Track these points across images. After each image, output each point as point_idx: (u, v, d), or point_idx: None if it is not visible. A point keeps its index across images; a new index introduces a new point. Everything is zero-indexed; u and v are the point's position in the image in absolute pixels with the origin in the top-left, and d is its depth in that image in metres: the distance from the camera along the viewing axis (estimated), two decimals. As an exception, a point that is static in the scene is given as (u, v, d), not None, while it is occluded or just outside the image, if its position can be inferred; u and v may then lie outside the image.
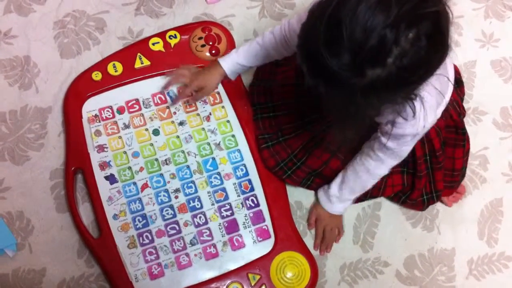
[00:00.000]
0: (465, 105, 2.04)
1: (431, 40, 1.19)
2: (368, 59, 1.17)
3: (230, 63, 1.86)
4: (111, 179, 1.92)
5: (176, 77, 1.96)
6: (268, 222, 1.90)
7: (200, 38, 2.07)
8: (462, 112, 1.88)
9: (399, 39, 1.15)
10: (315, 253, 1.92)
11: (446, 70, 1.59)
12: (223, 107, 2.01)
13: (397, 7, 1.14)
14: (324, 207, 1.91)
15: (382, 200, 2.01)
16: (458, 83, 1.91)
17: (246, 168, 1.96)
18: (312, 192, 2.01)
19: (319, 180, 1.93)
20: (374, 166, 1.71)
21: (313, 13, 1.26)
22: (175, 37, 2.08)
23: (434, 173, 1.88)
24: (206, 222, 1.89)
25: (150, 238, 1.87)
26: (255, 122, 1.98)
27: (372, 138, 1.67)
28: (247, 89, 2.05)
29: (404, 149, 1.63)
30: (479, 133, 2.10)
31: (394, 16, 1.14)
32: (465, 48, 2.21)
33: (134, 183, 1.92)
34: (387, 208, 2.01)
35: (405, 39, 1.16)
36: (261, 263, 1.86)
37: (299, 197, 2.01)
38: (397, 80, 1.21)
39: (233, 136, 1.99)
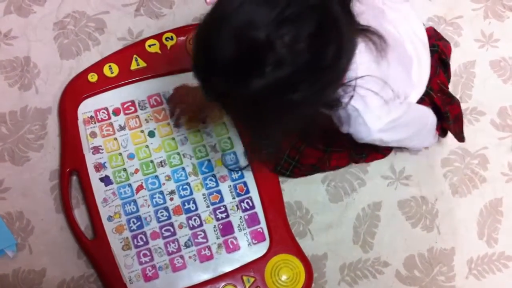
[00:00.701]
0: (464, 105, 2.01)
1: (316, 42, 1.06)
2: (246, 70, 1.06)
3: None
4: (106, 180, 1.86)
5: (181, 111, 1.90)
6: (263, 224, 1.85)
7: (196, 40, 1.98)
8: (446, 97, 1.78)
9: (273, 43, 1.03)
10: (309, 256, 1.87)
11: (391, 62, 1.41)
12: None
13: (270, 7, 1.03)
14: None
15: (382, 200, 1.96)
16: (445, 66, 1.82)
17: (241, 171, 1.90)
18: (312, 191, 1.97)
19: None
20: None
21: (196, 34, 1.19)
22: (172, 39, 2.02)
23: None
24: (201, 224, 1.84)
25: (144, 240, 1.82)
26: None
27: None
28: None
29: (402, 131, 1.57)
30: (478, 133, 2.04)
31: (270, 15, 1.03)
32: (464, 48, 2.15)
33: (129, 185, 1.86)
34: (387, 208, 1.96)
35: (281, 43, 1.03)
36: (256, 266, 1.80)
37: (299, 197, 1.96)
38: (283, 90, 1.09)
39: (229, 138, 1.93)
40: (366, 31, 1.27)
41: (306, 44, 1.05)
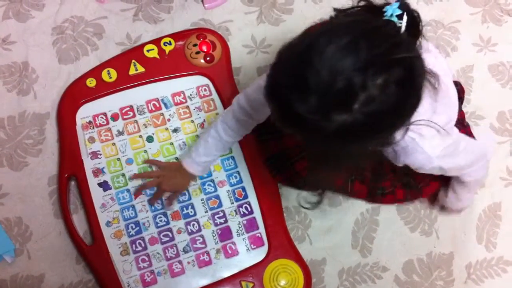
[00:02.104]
0: (463, 109, 1.98)
1: (402, 86, 1.11)
2: (334, 104, 1.09)
3: (195, 165, 1.79)
4: (104, 186, 1.86)
5: (148, 182, 1.86)
6: (261, 229, 1.85)
7: (194, 45, 2.00)
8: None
9: (366, 84, 1.07)
10: (308, 260, 1.87)
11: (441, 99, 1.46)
12: (217, 114, 1.95)
13: (367, 51, 1.07)
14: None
15: (380, 205, 1.95)
16: (462, 102, 1.88)
17: (240, 176, 1.89)
18: (310, 196, 1.89)
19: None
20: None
21: (281, 55, 1.18)
22: (170, 44, 2.01)
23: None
24: (199, 230, 1.83)
25: (143, 245, 1.81)
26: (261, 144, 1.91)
27: None
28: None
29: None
30: (477, 137, 1.96)
31: (363, 60, 1.07)
32: (462, 53, 2.15)
33: (128, 190, 1.86)
34: (385, 213, 1.95)
35: (373, 85, 1.08)
36: (255, 271, 1.80)
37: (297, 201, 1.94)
38: (363, 127, 1.13)
39: (227, 143, 1.89)
40: (427, 73, 1.30)
41: (394, 89, 1.10)
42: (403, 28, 1.19)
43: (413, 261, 1.92)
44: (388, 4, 1.20)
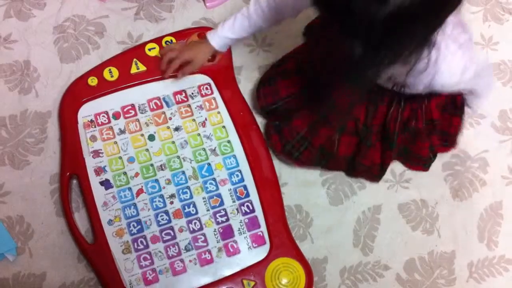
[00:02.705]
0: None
1: None
2: None
3: (218, 38, 1.83)
4: (106, 184, 1.85)
5: (167, 51, 1.90)
6: (263, 228, 1.84)
7: (196, 44, 1.98)
8: None
9: None
10: (310, 259, 1.86)
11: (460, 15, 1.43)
12: (218, 112, 1.95)
13: None
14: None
15: (382, 203, 1.96)
16: None
17: (241, 174, 1.89)
18: (312, 195, 1.97)
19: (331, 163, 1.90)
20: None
21: None
22: (171, 42, 2.02)
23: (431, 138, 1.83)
24: (201, 228, 1.83)
25: (144, 243, 1.81)
26: (273, 134, 1.90)
27: None
28: (243, 96, 2.00)
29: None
30: (478, 136, 2.04)
31: None
32: (464, 51, 2.11)
33: (129, 189, 1.86)
34: (387, 211, 1.95)
35: None
36: (256, 270, 1.80)
37: (299, 200, 1.96)
38: (420, 9, 1.08)
39: (228, 142, 1.93)
40: None
41: None
42: None
43: (414, 259, 1.91)
44: None
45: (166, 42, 2.01)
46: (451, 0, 1.17)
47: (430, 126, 1.76)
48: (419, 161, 1.91)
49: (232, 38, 1.82)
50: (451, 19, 1.28)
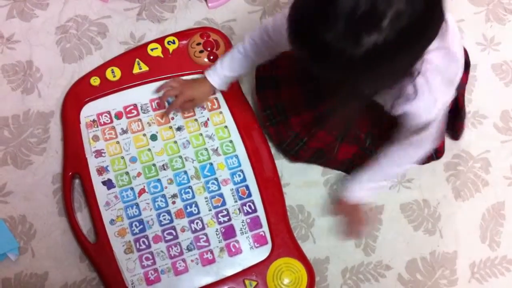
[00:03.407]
0: (466, 108, 1.99)
1: (426, 2, 1.10)
2: (363, 25, 1.07)
3: (217, 77, 1.82)
4: (108, 184, 1.85)
5: (167, 90, 1.89)
6: (265, 228, 1.84)
7: (198, 44, 2.00)
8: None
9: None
10: (311, 259, 1.86)
11: (449, 44, 1.45)
12: (221, 112, 1.95)
13: None
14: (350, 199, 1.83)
15: (384, 203, 1.95)
16: (467, 66, 1.85)
17: (243, 174, 1.89)
18: (313, 195, 1.97)
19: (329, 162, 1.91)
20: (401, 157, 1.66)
21: None
22: (174, 42, 2.02)
23: None
24: (203, 228, 1.83)
25: (146, 243, 1.80)
26: (270, 127, 1.91)
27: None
28: (245, 96, 2.00)
29: (426, 135, 1.55)
30: (480, 136, 2.04)
31: None
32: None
33: (132, 188, 1.85)
34: (389, 211, 1.95)
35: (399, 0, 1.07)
36: (258, 269, 1.79)
37: (301, 200, 1.95)
38: (394, 46, 1.11)
39: (230, 141, 1.92)
40: None
41: (420, 1, 1.10)
42: None
43: (416, 260, 1.91)
44: None
45: (168, 42, 2.01)
46: (425, 34, 1.18)
47: None
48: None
49: (231, 76, 1.83)
50: (436, 54, 1.32)
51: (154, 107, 1.95)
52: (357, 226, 1.86)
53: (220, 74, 1.81)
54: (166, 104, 1.93)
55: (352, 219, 1.86)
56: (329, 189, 1.96)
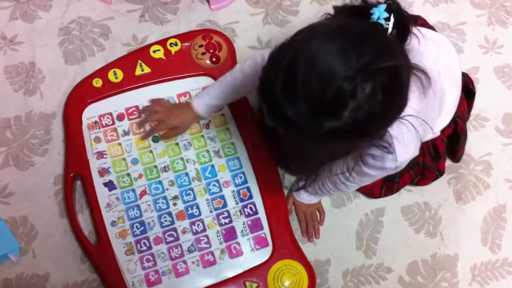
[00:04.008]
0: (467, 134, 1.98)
1: (388, 93, 1.15)
2: (325, 111, 1.13)
3: (204, 106, 1.82)
4: (109, 185, 1.85)
5: (150, 116, 1.89)
6: (266, 230, 1.84)
7: (200, 46, 2.01)
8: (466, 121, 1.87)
9: (356, 92, 1.11)
10: (312, 261, 1.86)
11: (432, 108, 1.50)
12: (222, 114, 1.95)
13: (355, 59, 1.11)
14: (297, 199, 1.88)
15: (385, 206, 1.95)
16: (471, 95, 1.88)
17: (244, 176, 1.89)
18: None
19: None
20: (347, 186, 1.68)
21: (273, 58, 1.22)
22: (176, 44, 2.01)
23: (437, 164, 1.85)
24: (204, 230, 1.83)
25: (147, 245, 1.80)
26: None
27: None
28: (247, 98, 1.98)
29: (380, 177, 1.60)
30: (482, 139, 2.04)
31: (353, 69, 1.10)
32: (468, 55, 2.15)
33: (133, 190, 1.85)
34: (390, 214, 1.94)
35: (362, 93, 1.12)
36: (259, 271, 1.79)
37: (302, 202, 1.93)
38: (352, 132, 1.17)
39: (232, 143, 1.92)
40: (416, 70, 1.33)
41: (381, 95, 1.14)
42: (389, 30, 1.22)
43: (417, 262, 1.91)
44: (376, 5, 1.24)
45: (170, 44, 2.01)
46: (383, 122, 1.26)
47: (437, 156, 1.80)
48: (427, 183, 1.92)
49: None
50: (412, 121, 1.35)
51: (156, 109, 1.94)
52: (310, 226, 1.90)
53: (207, 102, 1.81)
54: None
55: (304, 218, 1.90)
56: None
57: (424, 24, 1.80)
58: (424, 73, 1.33)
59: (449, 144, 1.84)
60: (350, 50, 1.12)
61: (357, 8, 1.29)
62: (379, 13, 1.22)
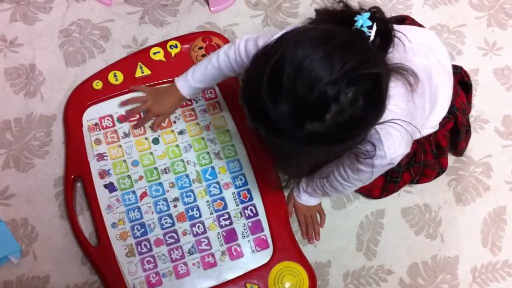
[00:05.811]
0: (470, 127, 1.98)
1: (369, 99, 1.18)
2: (307, 114, 1.16)
3: (187, 87, 1.83)
4: (110, 187, 1.85)
5: (135, 108, 1.91)
6: (266, 231, 1.84)
7: (200, 48, 2.01)
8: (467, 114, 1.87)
9: (338, 97, 1.14)
10: (313, 263, 1.85)
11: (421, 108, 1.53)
12: (222, 116, 1.95)
13: (340, 64, 1.13)
14: (297, 201, 1.89)
15: (385, 208, 1.95)
16: (468, 88, 1.88)
17: (245, 178, 1.89)
18: None
19: None
20: (343, 186, 1.69)
21: (257, 59, 1.25)
22: (176, 46, 2.02)
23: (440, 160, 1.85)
24: (204, 231, 1.83)
25: (148, 246, 1.80)
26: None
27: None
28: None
29: (375, 175, 1.59)
30: (482, 141, 2.04)
31: (337, 74, 1.13)
32: (467, 57, 2.15)
33: (133, 192, 1.85)
34: (390, 216, 1.94)
35: (345, 97, 1.15)
36: (259, 273, 1.79)
37: (302, 204, 1.93)
38: (334, 135, 1.20)
39: (232, 145, 1.92)
40: (401, 69, 1.36)
41: (362, 101, 1.17)
42: (371, 38, 1.25)
43: (418, 264, 1.91)
44: (359, 12, 1.27)
45: (170, 46, 2.01)
46: (365, 126, 1.29)
47: (440, 152, 1.80)
48: (428, 180, 1.92)
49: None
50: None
51: (156, 110, 1.94)
52: (310, 228, 1.90)
53: (190, 84, 1.82)
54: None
55: (304, 220, 1.91)
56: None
57: (412, 23, 1.81)
58: (413, 73, 1.36)
59: (450, 137, 1.84)
60: (335, 56, 1.14)
61: (340, 14, 1.33)
62: (362, 21, 1.25)
